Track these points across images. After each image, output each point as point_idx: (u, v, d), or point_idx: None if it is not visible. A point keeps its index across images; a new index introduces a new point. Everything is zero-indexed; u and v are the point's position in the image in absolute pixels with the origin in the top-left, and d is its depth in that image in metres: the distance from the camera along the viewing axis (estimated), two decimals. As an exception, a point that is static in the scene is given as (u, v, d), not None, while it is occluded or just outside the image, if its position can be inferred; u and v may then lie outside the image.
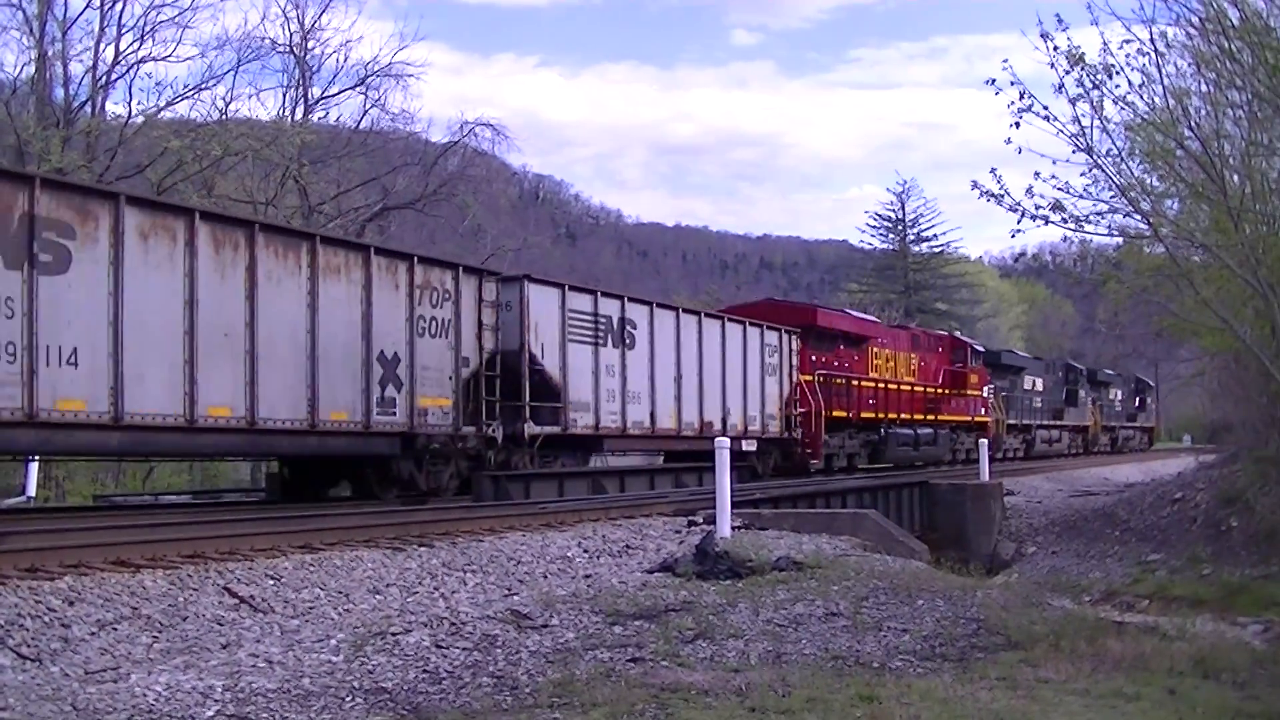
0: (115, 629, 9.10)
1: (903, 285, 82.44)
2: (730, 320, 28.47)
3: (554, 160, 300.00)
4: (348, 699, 7.79)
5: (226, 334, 16.57)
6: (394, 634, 9.53)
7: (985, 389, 42.14)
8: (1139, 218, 17.09)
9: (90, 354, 14.85)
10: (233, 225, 17.22)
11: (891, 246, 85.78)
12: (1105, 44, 15.79)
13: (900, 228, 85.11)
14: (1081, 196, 16.43)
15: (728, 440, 17.01)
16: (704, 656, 9.43)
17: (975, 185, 16.31)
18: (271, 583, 10.99)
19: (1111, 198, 16.72)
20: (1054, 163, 16.05)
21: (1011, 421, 46.02)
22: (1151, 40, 15.73)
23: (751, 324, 29.06)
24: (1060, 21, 15.67)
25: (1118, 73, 15.77)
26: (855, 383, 33.30)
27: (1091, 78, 15.71)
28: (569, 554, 14.33)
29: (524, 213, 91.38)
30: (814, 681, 8.45)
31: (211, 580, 10.70)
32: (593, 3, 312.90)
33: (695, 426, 26.34)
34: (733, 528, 16.23)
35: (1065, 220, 16.36)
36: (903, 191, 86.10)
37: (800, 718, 7.55)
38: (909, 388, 36.58)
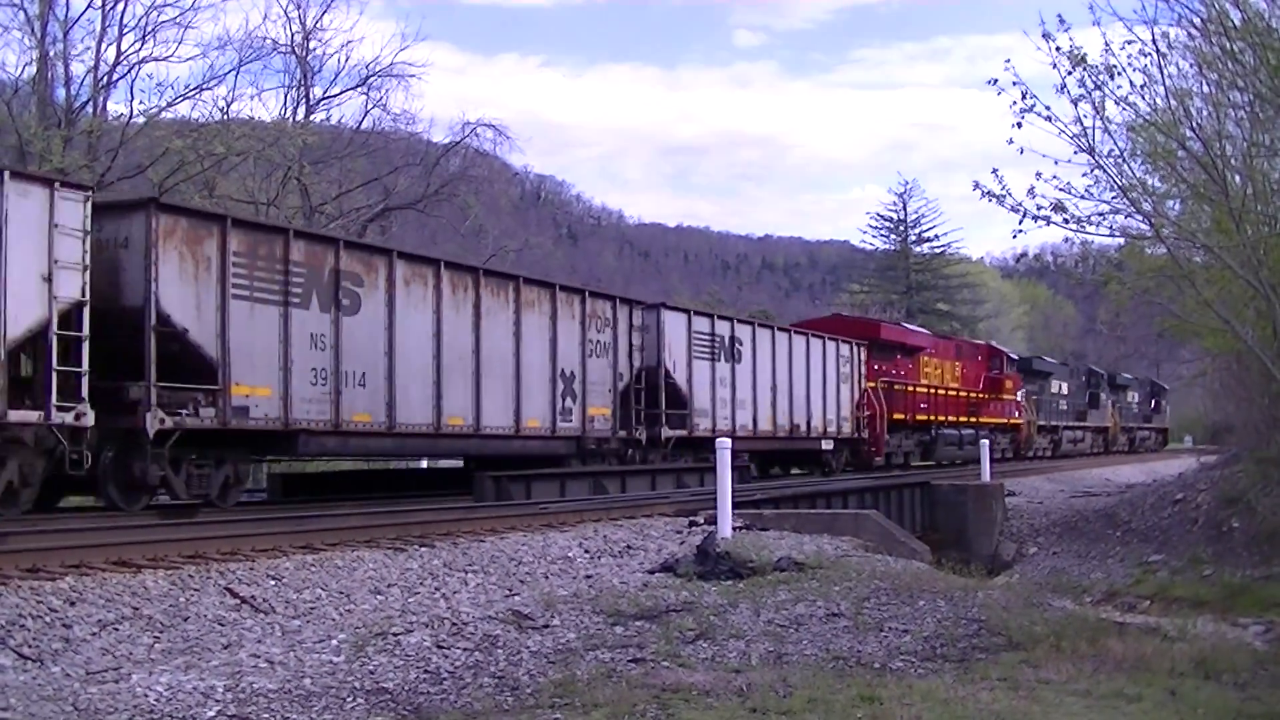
0: (116, 629, 9.10)
1: (904, 286, 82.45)
2: (813, 336, 32.40)
3: (557, 161, 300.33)
4: (349, 699, 7.79)
5: (460, 358, 20.49)
6: (395, 634, 9.53)
7: (1019, 393, 45.88)
8: (1141, 218, 17.10)
9: (373, 377, 18.79)
10: (463, 270, 21.11)
11: (893, 247, 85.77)
12: (1107, 44, 15.80)
13: (902, 228, 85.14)
14: (1083, 197, 16.44)
15: (729, 441, 17.02)
16: (705, 657, 9.43)
17: (977, 185, 16.32)
18: (273, 583, 10.99)
19: (1113, 198, 16.74)
20: (1056, 163, 16.05)
21: (1041, 423, 49.34)
22: (1153, 41, 15.74)
23: (830, 339, 33.13)
24: (1062, 22, 15.68)
25: (1119, 73, 15.78)
26: (910, 389, 37.41)
27: (1093, 78, 15.72)
28: (570, 554, 14.33)
29: (525, 213, 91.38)
30: (815, 682, 8.45)
31: (213, 580, 10.70)
32: (596, 3, 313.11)
33: (787, 428, 30.68)
34: (734, 528, 16.23)
35: (1067, 221, 16.37)
36: (904, 192, 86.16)
37: (801, 718, 7.55)
38: (954, 393, 40.52)
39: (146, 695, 7.48)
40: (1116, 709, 8.22)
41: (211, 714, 7.29)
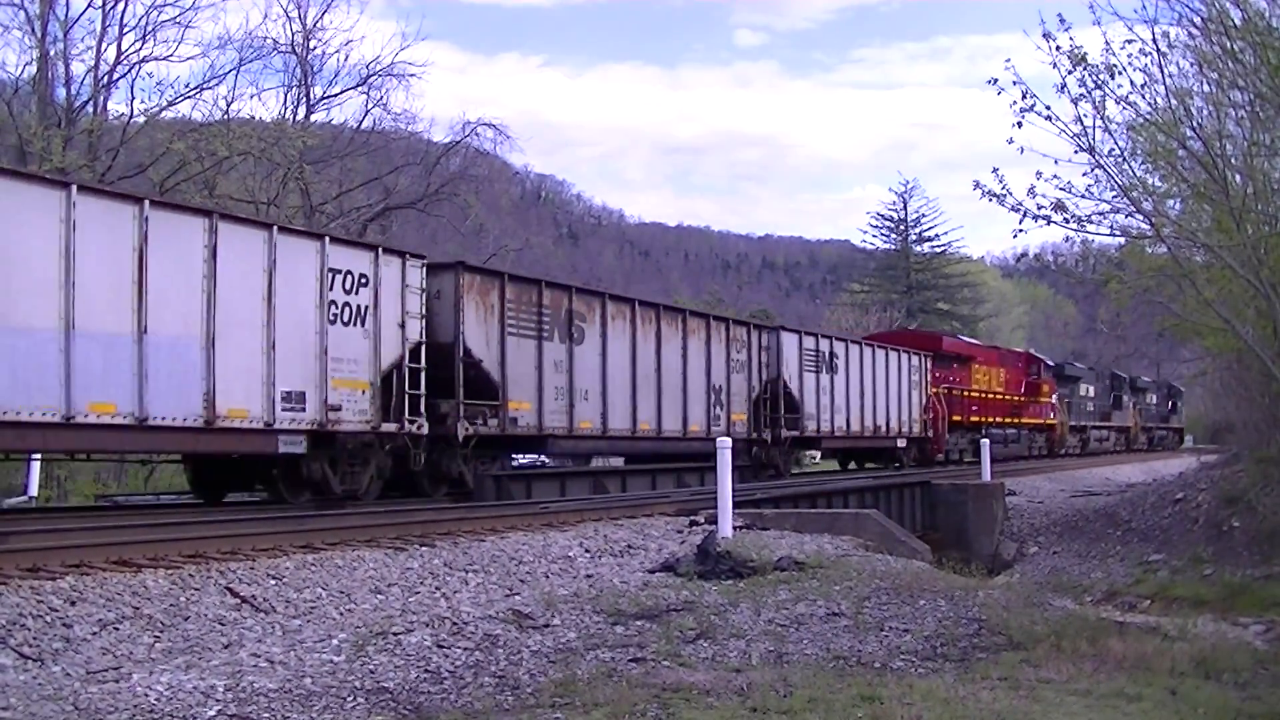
0: (117, 629, 9.11)
1: (905, 285, 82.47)
2: (890, 349, 37.23)
3: (557, 160, 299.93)
4: (349, 699, 7.79)
5: (646, 377, 25.17)
6: (395, 634, 9.53)
7: (1053, 396, 50.15)
8: (1141, 218, 17.09)
9: (593, 394, 23.55)
10: (648, 306, 26.13)
11: (894, 246, 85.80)
12: (1108, 44, 15.78)
13: (902, 228, 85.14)
14: (1083, 197, 16.42)
15: (729, 440, 17.02)
16: (706, 656, 9.43)
17: (977, 185, 16.30)
18: (273, 582, 11.00)
19: (1113, 198, 16.72)
20: (1056, 163, 16.03)
21: (1072, 423, 53.70)
22: (1154, 40, 15.73)
23: (903, 351, 38.02)
24: (1062, 21, 15.66)
25: (1120, 73, 15.77)
26: (964, 394, 42.09)
27: (1094, 78, 15.70)
28: (571, 554, 14.33)
29: (526, 213, 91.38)
30: (816, 681, 8.45)
31: (213, 580, 10.70)
32: (597, 3, 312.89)
33: (871, 428, 35.52)
34: (734, 528, 16.23)
35: (1067, 220, 16.35)
36: (905, 192, 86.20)
37: (802, 718, 7.55)
38: (1000, 397, 45.25)
39: (147, 695, 7.48)
40: (1117, 708, 8.22)
41: (212, 713, 7.28)
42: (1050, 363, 51.74)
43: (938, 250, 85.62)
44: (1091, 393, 57.15)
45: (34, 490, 23.02)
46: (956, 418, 40.59)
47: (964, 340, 47.07)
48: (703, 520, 17.47)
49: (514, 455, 25.01)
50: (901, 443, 37.08)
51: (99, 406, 14.43)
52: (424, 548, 13.37)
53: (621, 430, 24.39)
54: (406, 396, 19.09)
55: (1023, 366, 47.84)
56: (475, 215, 39.85)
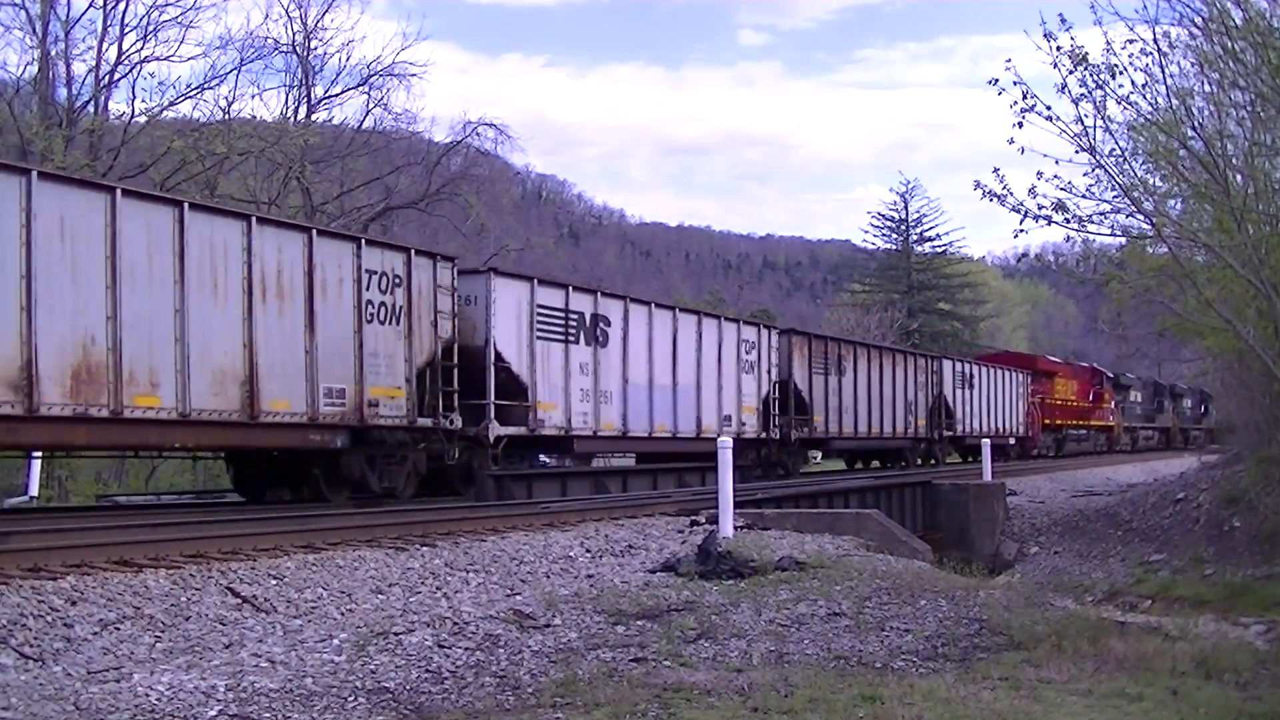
0: (118, 629, 9.11)
1: (906, 285, 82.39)
2: (1007, 369, 47.67)
3: (560, 160, 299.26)
4: (350, 699, 7.79)
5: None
6: (396, 634, 9.53)
7: (1112, 403, 59.74)
8: (1142, 218, 17.04)
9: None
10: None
11: (895, 247, 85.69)
12: (1108, 44, 15.74)
13: (904, 228, 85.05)
14: (1084, 197, 16.37)
15: (730, 441, 17.02)
16: (706, 656, 9.43)
17: (978, 185, 16.25)
18: (274, 582, 11.00)
19: (1114, 198, 16.68)
20: (1057, 163, 15.97)
21: (1125, 425, 62.79)
22: (1154, 40, 15.69)
23: (1015, 370, 48.51)
24: (1063, 22, 15.62)
25: (1121, 73, 15.72)
26: (1050, 402, 51.99)
27: (1094, 78, 15.66)
28: (571, 554, 14.34)
29: (527, 212, 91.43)
30: (816, 681, 8.45)
31: (214, 580, 10.71)
32: (601, 3, 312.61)
33: (996, 430, 44.48)
34: (735, 527, 16.23)
35: (1068, 220, 16.31)
36: (906, 191, 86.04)
37: (803, 718, 7.55)
38: (1073, 404, 55.20)
39: (148, 695, 7.48)
40: (1118, 708, 8.21)
41: (213, 713, 7.29)
42: (1110, 375, 60.01)
43: (939, 250, 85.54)
44: (1139, 399, 65.77)
45: (35, 490, 23.03)
46: (1047, 421, 51.46)
47: (1049, 359, 57.09)
48: (704, 520, 17.47)
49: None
50: (1012, 440, 46.81)
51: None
52: (425, 548, 13.38)
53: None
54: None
55: (1089, 379, 57.15)
56: (476, 215, 39.84)
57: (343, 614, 10.46)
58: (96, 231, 14.97)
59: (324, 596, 10.92)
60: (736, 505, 16.80)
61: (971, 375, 43.33)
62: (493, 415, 20.79)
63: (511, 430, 21.30)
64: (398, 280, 19.19)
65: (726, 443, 16.74)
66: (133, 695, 7.46)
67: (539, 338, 22.16)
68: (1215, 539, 22.36)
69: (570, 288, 23.63)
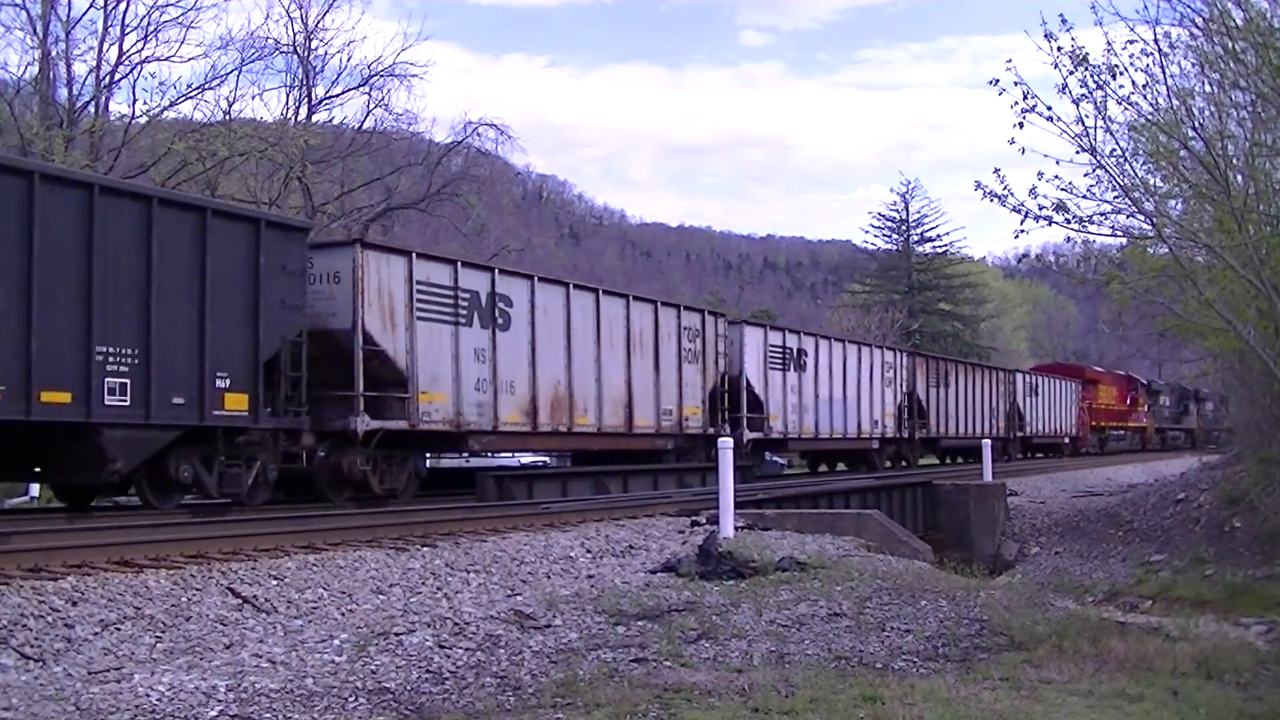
0: (118, 629, 9.11)
1: (906, 285, 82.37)
2: (1063, 379, 56.11)
3: (562, 160, 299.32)
4: (351, 699, 7.79)
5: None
6: (397, 634, 9.53)
7: (1145, 406, 67.13)
8: (1143, 218, 17.02)
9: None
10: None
11: (895, 247, 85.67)
12: (1109, 44, 15.72)
13: (904, 228, 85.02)
14: (1085, 197, 16.34)
15: (731, 441, 17.03)
16: (707, 657, 9.44)
17: (979, 185, 16.22)
18: (275, 583, 11.00)
19: (1115, 198, 16.66)
20: (1058, 163, 15.95)
21: (1156, 426, 69.75)
22: (1155, 41, 15.67)
23: (1069, 380, 57.13)
24: (1064, 22, 15.61)
25: (1121, 73, 15.70)
26: (1095, 406, 59.97)
27: (1095, 78, 15.64)
28: (572, 554, 14.34)
29: (528, 213, 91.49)
30: (817, 682, 8.45)
31: (215, 580, 10.71)
32: (603, 3, 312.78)
33: (1055, 431, 54.06)
34: (736, 528, 16.22)
35: (1069, 221, 16.28)
36: (907, 192, 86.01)
37: (803, 718, 7.55)
38: (1113, 407, 63.18)
39: (148, 695, 7.48)
40: (1119, 709, 8.22)
41: (213, 714, 7.29)
42: (1144, 382, 67.95)
43: (939, 251, 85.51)
44: (1168, 403, 72.31)
45: (35, 490, 23.05)
46: (1094, 423, 59.89)
47: (1095, 369, 65.63)
48: (704, 520, 17.47)
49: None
50: (1066, 440, 55.41)
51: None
52: (425, 548, 13.38)
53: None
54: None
55: (1126, 386, 65.05)
56: (477, 215, 39.86)
57: (343, 614, 10.46)
58: (559, 311, 23.12)
59: (325, 597, 10.92)
60: (737, 506, 16.80)
61: (1037, 385, 51.72)
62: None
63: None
64: (696, 331, 27.47)
65: (727, 443, 16.74)
66: (133, 695, 7.47)
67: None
68: (1216, 539, 22.35)
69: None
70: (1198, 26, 16.36)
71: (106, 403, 14.72)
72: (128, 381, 15.03)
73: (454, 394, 20.17)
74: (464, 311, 20.88)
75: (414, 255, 20.13)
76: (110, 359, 14.83)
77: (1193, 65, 17.13)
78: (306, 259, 18.08)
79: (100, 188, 15.13)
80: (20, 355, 13.79)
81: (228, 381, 16.35)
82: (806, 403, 32.06)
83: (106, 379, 14.77)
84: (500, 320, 21.35)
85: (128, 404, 14.99)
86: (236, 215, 17.52)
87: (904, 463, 38.50)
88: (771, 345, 31.04)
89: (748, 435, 28.92)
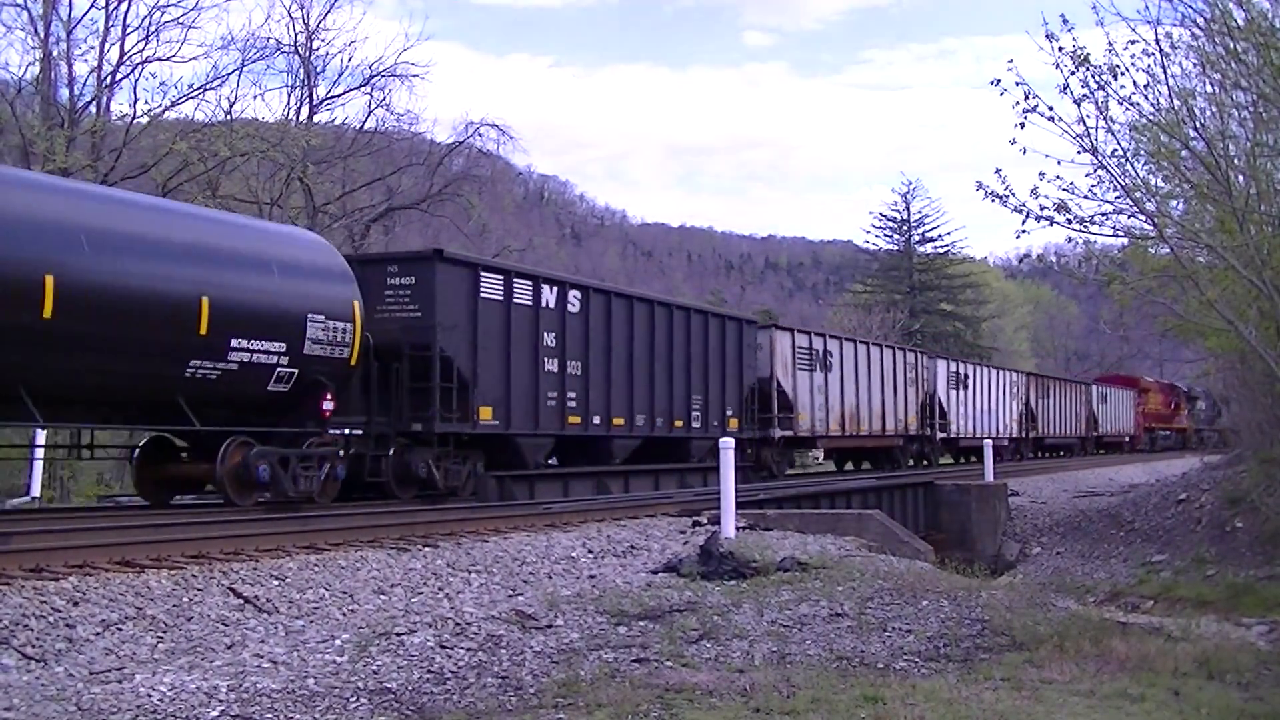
0: (120, 629, 9.11)
1: (907, 286, 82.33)
2: (1123, 389, 65.76)
3: (565, 161, 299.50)
4: (352, 699, 7.80)
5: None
6: (399, 634, 9.54)
7: (1185, 410, 74.36)
8: (1144, 219, 16.99)
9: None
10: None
11: (897, 247, 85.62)
12: (1110, 45, 15.71)
13: (905, 228, 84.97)
14: (1086, 197, 16.32)
15: (732, 441, 17.03)
16: (708, 657, 9.44)
17: (980, 186, 16.21)
18: (276, 583, 11.00)
19: (1116, 198, 16.63)
20: (1059, 163, 15.94)
21: (1194, 428, 76.12)
22: (1156, 41, 15.66)
23: (1127, 389, 66.42)
24: (1065, 22, 15.60)
25: (1123, 73, 15.67)
26: (1146, 410, 68.76)
27: (1096, 78, 15.62)
28: (574, 554, 14.34)
29: (529, 213, 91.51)
30: (818, 682, 8.45)
31: (216, 580, 10.71)
32: (607, 4, 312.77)
33: (1119, 431, 64.45)
34: (737, 528, 16.23)
35: (1070, 221, 16.26)
36: (908, 192, 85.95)
37: (805, 718, 7.55)
38: (1160, 412, 71.45)
39: (150, 695, 7.49)
40: (1120, 709, 8.22)
41: (215, 714, 7.29)
42: (1185, 389, 74.31)
43: (941, 251, 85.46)
44: (1204, 407, 77.10)
45: (37, 491, 23.02)
46: (1145, 426, 68.62)
47: (1146, 379, 72.35)
48: (706, 521, 17.47)
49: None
50: (1126, 439, 64.92)
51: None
52: (427, 548, 13.38)
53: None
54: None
55: (1170, 392, 72.86)
56: (478, 216, 39.84)
57: (345, 614, 10.46)
58: (852, 358, 34.33)
59: (326, 597, 10.93)
60: (738, 506, 16.81)
61: (1106, 394, 62.74)
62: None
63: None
64: (911, 365, 38.69)
65: (729, 443, 16.75)
66: (135, 696, 7.47)
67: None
68: (1217, 539, 22.34)
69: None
70: (1199, 27, 16.36)
71: (693, 426, 25.78)
72: (701, 415, 26.11)
73: (810, 414, 31.52)
74: (814, 362, 32.80)
75: (795, 331, 32.89)
76: (694, 404, 25.92)
77: (1194, 65, 17.13)
78: (752, 339, 29.28)
79: (693, 310, 27.41)
80: (664, 403, 24.74)
81: (731, 411, 27.38)
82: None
83: (692, 413, 25.81)
84: (828, 367, 32.62)
85: (700, 427, 25.95)
86: (732, 317, 29.58)
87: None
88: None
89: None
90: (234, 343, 15.35)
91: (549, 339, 21.16)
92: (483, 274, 19.79)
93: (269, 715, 7.34)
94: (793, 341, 31.88)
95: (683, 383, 25.42)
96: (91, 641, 8.78)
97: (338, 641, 9.23)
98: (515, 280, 20.52)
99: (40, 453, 20.60)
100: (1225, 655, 10.59)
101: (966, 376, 42.92)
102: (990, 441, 32.20)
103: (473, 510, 17.35)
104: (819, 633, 10.54)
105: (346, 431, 17.87)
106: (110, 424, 16.36)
